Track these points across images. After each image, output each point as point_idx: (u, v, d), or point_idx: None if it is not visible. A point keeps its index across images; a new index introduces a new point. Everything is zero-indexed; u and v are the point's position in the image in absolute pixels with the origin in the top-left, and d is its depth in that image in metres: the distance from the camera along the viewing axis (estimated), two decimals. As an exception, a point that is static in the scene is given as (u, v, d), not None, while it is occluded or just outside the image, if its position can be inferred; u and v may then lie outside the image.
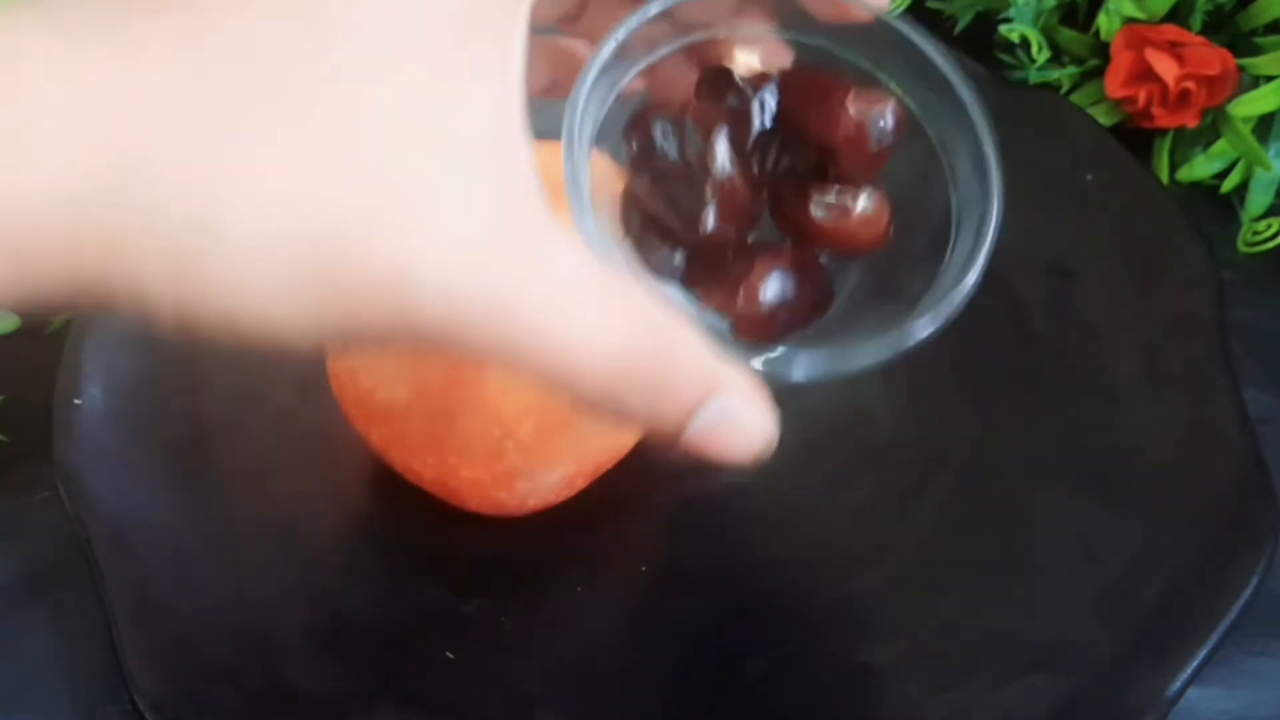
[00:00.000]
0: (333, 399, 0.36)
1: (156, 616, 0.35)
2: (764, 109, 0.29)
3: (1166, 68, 0.44)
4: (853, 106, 0.28)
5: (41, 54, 0.21)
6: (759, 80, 0.29)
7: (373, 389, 0.33)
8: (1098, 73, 0.46)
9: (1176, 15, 0.45)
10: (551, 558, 0.37)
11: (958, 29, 0.49)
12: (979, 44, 0.48)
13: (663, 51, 0.29)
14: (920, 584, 0.37)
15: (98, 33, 0.21)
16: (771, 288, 0.28)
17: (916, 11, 0.49)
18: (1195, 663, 0.33)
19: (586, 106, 0.27)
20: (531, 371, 0.23)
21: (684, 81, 0.29)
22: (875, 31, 0.29)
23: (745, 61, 0.29)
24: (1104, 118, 0.46)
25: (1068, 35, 0.47)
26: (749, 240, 0.29)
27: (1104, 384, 0.40)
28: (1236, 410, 0.38)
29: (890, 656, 0.35)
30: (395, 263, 0.22)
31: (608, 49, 0.27)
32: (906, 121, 0.29)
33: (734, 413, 0.26)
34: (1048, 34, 0.47)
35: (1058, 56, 0.47)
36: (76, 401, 0.38)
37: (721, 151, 0.28)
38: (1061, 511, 0.38)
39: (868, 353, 0.28)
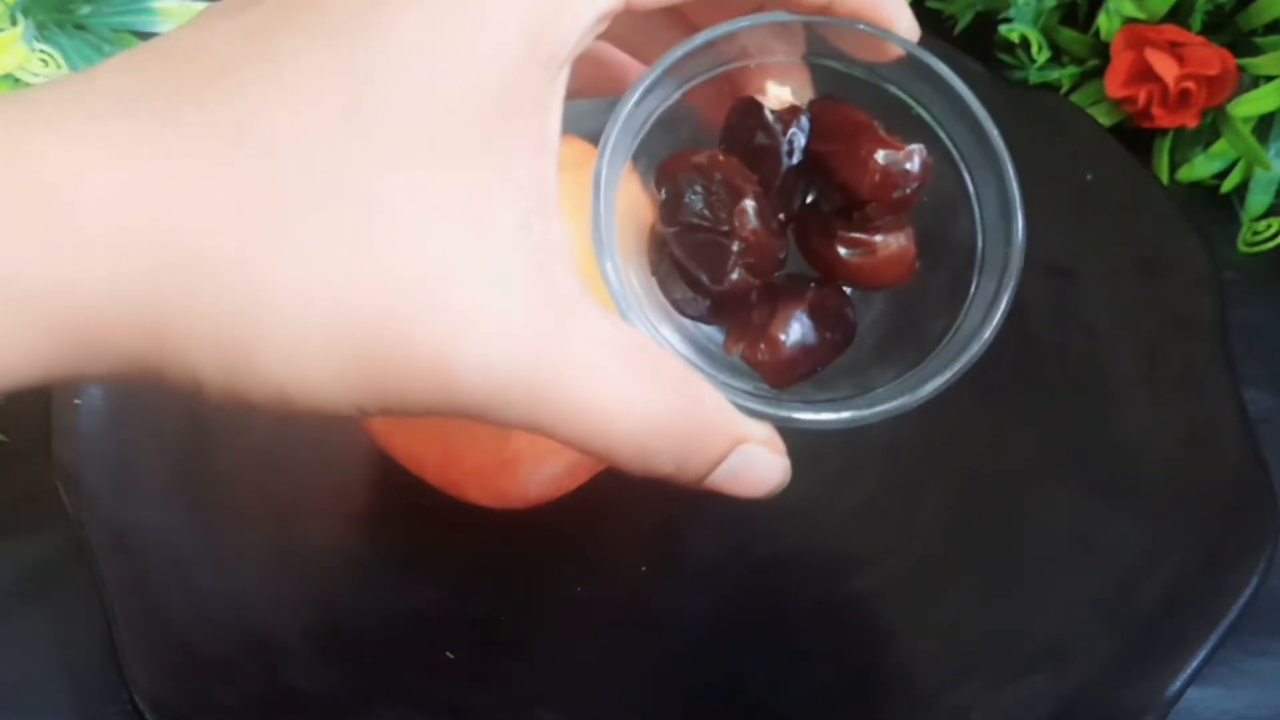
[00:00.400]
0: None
1: (156, 617, 0.35)
2: (793, 147, 0.29)
3: (1166, 68, 0.44)
4: (881, 155, 0.29)
5: (93, 161, 0.22)
6: (789, 114, 0.30)
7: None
8: (1098, 73, 0.46)
9: (1176, 15, 0.45)
10: (551, 557, 0.37)
11: (958, 29, 0.49)
12: (979, 44, 0.48)
13: (698, 79, 0.30)
14: (921, 584, 0.37)
15: (148, 135, 0.22)
16: (794, 333, 0.29)
17: (916, 11, 0.49)
18: (1195, 663, 0.33)
19: (619, 140, 0.28)
20: (567, 440, 0.25)
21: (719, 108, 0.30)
22: (908, 65, 0.30)
23: (776, 94, 0.30)
24: (1104, 118, 0.46)
25: (1068, 35, 0.47)
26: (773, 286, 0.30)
27: (1104, 384, 0.40)
28: (1237, 410, 0.38)
29: (891, 656, 0.35)
30: (437, 347, 0.23)
31: (646, 81, 0.28)
32: (936, 155, 0.30)
33: (754, 459, 0.28)
34: (1048, 34, 0.47)
35: (1058, 56, 0.47)
36: (76, 401, 0.38)
37: (749, 210, 0.29)
38: (1061, 511, 0.38)
39: (887, 408, 0.29)
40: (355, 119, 0.23)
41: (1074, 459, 0.39)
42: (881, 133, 0.29)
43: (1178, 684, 0.33)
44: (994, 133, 0.30)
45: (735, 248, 0.29)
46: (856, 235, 0.30)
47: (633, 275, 0.29)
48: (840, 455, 0.39)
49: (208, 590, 0.36)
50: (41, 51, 0.45)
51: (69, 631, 0.36)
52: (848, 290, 0.31)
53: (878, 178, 0.29)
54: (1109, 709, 0.33)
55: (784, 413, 0.29)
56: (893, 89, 0.31)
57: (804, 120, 0.30)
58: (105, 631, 0.34)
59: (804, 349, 0.29)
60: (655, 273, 0.30)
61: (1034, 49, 0.46)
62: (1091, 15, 0.46)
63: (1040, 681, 0.34)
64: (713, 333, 0.30)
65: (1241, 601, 0.34)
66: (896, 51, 0.30)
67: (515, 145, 0.24)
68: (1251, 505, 0.36)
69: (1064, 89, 0.47)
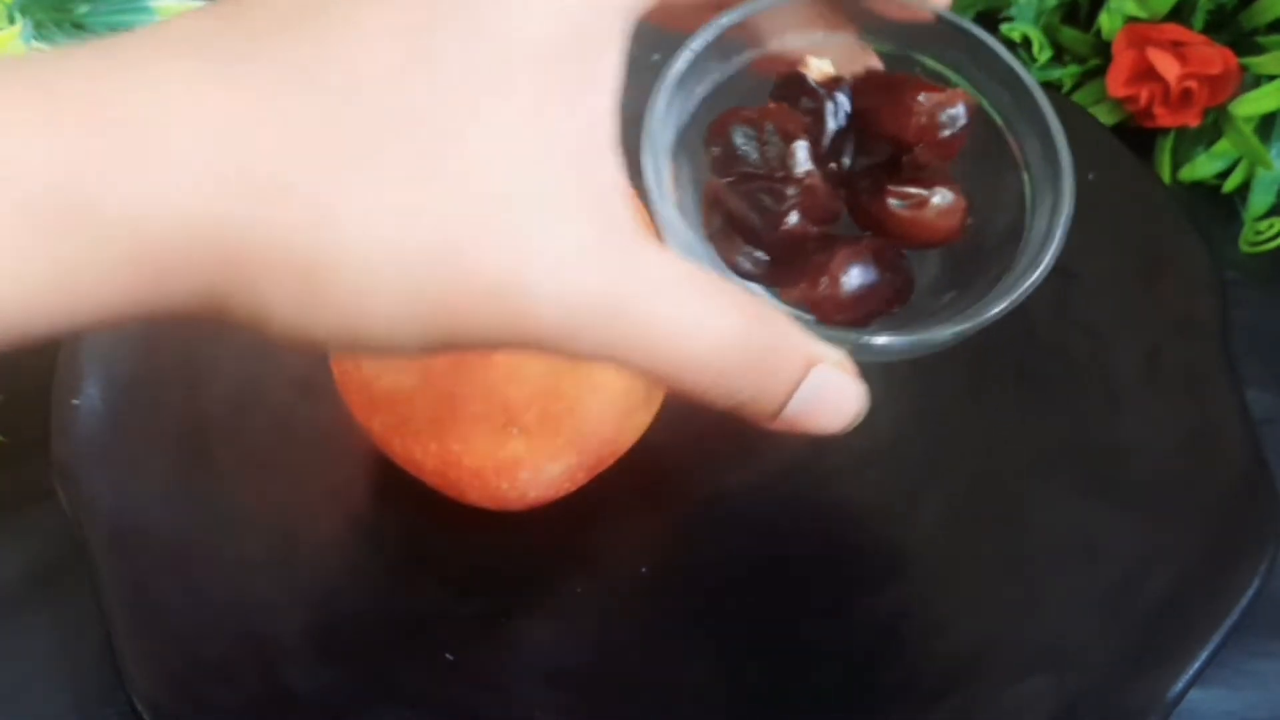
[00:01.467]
0: (333, 398, 0.36)
1: (155, 617, 0.35)
2: (838, 109, 0.30)
3: (1168, 67, 0.44)
4: (923, 97, 0.30)
5: (174, 94, 0.22)
6: (832, 84, 0.30)
7: (377, 375, 0.33)
8: (1099, 72, 0.46)
9: (1178, 14, 0.45)
10: (551, 558, 0.37)
11: (959, 28, 0.49)
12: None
13: (737, 61, 0.31)
14: (922, 584, 0.37)
15: (226, 72, 0.23)
16: (854, 274, 0.29)
17: (917, 10, 0.49)
18: (1197, 664, 0.33)
19: (667, 111, 0.29)
20: (643, 368, 0.25)
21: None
22: (939, 31, 0.31)
23: (819, 66, 0.31)
24: (1106, 117, 0.46)
25: (1069, 34, 0.47)
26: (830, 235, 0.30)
27: (1105, 384, 0.40)
28: (1238, 411, 0.38)
29: (891, 657, 0.35)
30: (510, 274, 0.23)
31: (684, 59, 0.29)
32: (978, 115, 0.30)
33: (830, 384, 0.27)
34: (1049, 33, 0.47)
35: (1059, 55, 0.47)
36: (75, 401, 0.38)
37: (801, 152, 0.29)
38: (1063, 512, 0.38)
39: (948, 330, 0.29)
40: (428, 60, 0.24)
41: (1075, 459, 0.38)
42: (923, 81, 0.30)
43: (1180, 685, 0.33)
44: (1029, 80, 0.31)
45: (790, 191, 0.29)
46: (907, 190, 0.30)
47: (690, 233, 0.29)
48: (841, 455, 0.39)
49: (207, 590, 0.36)
50: (39, 50, 0.45)
51: (67, 632, 0.36)
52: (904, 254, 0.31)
53: (924, 119, 0.29)
54: (1111, 710, 0.33)
55: (854, 336, 0.29)
56: (929, 61, 0.32)
57: (846, 87, 0.30)
58: (104, 632, 0.34)
59: (864, 290, 0.30)
60: (710, 234, 0.30)
61: (1035, 48, 0.46)
62: (1093, 14, 0.46)
63: (1042, 682, 0.34)
64: (769, 297, 0.30)
65: (1243, 602, 0.34)
66: (925, 14, 0.31)
67: (578, 87, 0.25)
68: (1253, 506, 0.36)
69: (1065, 88, 0.47)
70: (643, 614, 0.37)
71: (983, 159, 0.31)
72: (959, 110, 0.30)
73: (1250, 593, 0.34)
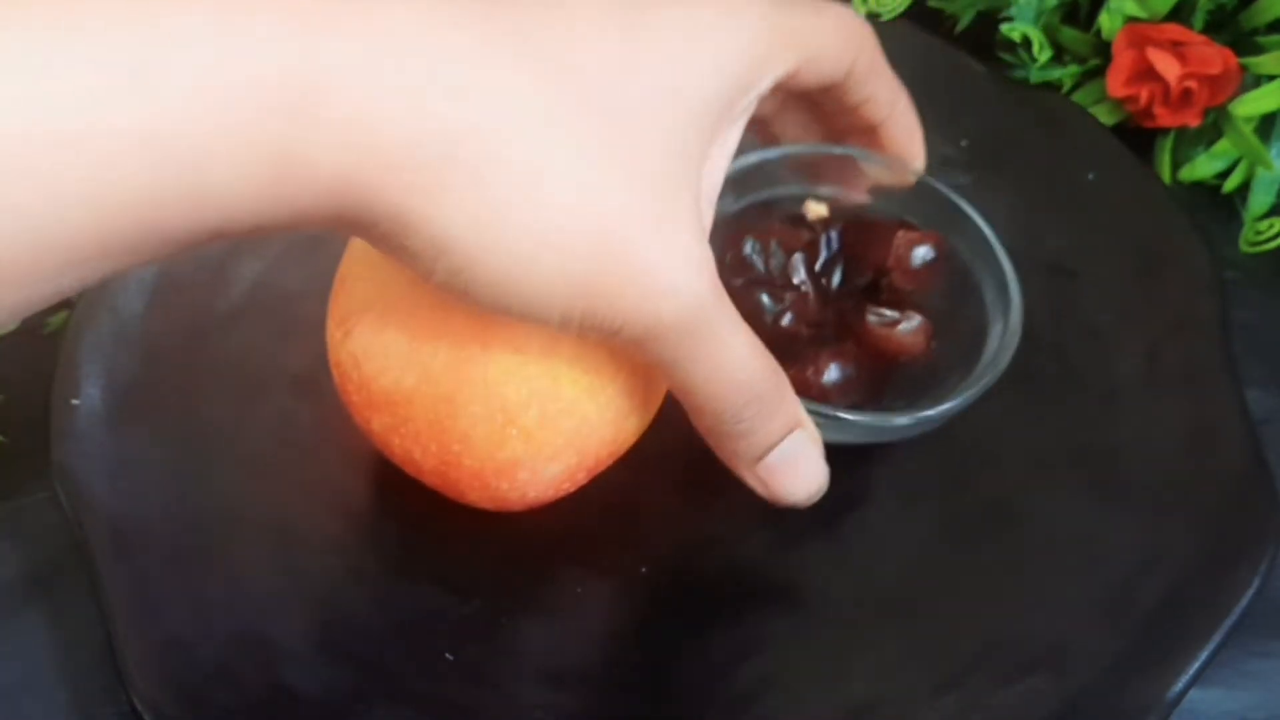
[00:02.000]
0: (333, 399, 0.36)
1: (154, 617, 0.35)
2: (830, 241, 0.38)
3: (1168, 67, 0.44)
4: (901, 234, 0.37)
5: (415, 27, 0.24)
6: (826, 223, 0.38)
7: (376, 375, 0.33)
8: (1099, 72, 0.46)
9: (1178, 14, 0.45)
10: (551, 558, 0.37)
11: (959, 28, 0.49)
12: (980, 43, 0.48)
13: (749, 196, 0.39)
14: (921, 584, 0.37)
15: (459, 16, 0.25)
16: (834, 369, 0.36)
17: (918, 11, 0.49)
18: (1197, 664, 0.33)
19: None
20: (691, 383, 0.29)
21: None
22: (909, 190, 0.39)
23: (815, 209, 0.39)
24: (1105, 117, 0.46)
25: (1069, 34, 0.47)
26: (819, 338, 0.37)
27: (1105, 384, 0.40)
28: (1238, 411, 0.38)
29: (890, 657, 0.35)
30: (655, 267, 0.27)
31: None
32: (946, 254, 0.38)
33: (804, 450, 0.33)
34: (1049, 33, 0.47)
35: (1059, 55, 0.47)
36: (74, 402, 0.38)
37: (799, 264, 0.37)
38: (1062, 512, 0.38)
39: (908, 416, 0.36)
40: (625, 69, 0.26)
41: (1075, 459, 0.38)
42: (903, 223, 0.38)
43: (1179, 685, 0.33)
44: (985, 226, 0.38)
45: (788, 296, 0.37)
46: (883, 310, 0.37)
47: None
48: (840, 455, 0.39)
49: (206, 591, 0.36)
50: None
51: (67, 632, 0.36)
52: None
53: (900, 251, 0.37)
54: (1110, 710, 0.33)
55: (828, 409, 0.35)
56: (900, 214, 0.39)
57: (838, 225, 0.38)
58: (104, 632, 0.34)
59: (842, 383, 0.36)
60: None
61: (1035, 48, 0.46)
62: (1093, 14, 0.46)
63: (1041, 682, 0.34)
64: None
65: (1243, 602, 0.34)
66: (909, 180, 0.38)
67: (719, 142, 0.30)
68: (1253, 506, 0.36)
69: (1065, 88, 0.47)
70: (642, 614, 0.37)
71: (949, 291, 0.38)
72: (927, 248, 0.37)
73: (1250, 592, 0.34)
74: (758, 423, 0.31)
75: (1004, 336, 0.37)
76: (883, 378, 0.37)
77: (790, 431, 0.32)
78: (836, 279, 0.38)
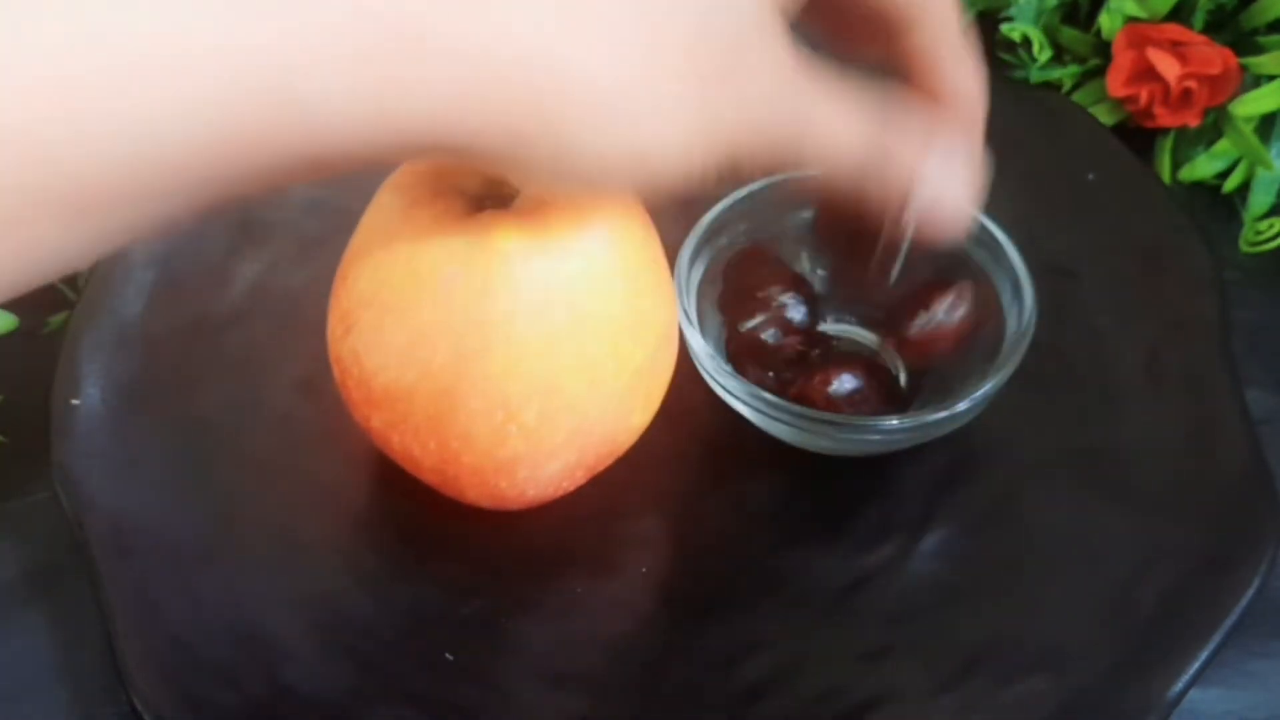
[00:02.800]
0: (333, 399, 0.36)
1: (154, 617, 0.35)
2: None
3: (1168, 67, 0.44)
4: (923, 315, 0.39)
5: None
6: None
7: (376, 371, 0.33)
8: (1099, 72, 0.46)
9: (1178, 14, 0.45)
10: (551, 558, 0.37)
11: (959, 28, 0.49)
12: (980, 42, 0.48)
13: (750, 225, 0.41)
14: (920, 584, 0.37)
15: None
16: (845, 380, 0.37)
17: (917, 10, 0.49)
18: (1197, 664, 0.33)
19: (695, 255, 0.40)
20: (818, 149, 0.29)
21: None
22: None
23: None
24: (1105, 117, 0.46)
25: (1069, 34, 0.47)
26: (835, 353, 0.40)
27: (1105, 384, 0.40)
28: (1238, 411, 0.38)
29: (890, 657, 0.35)
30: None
31: (711, 215, 0.40)
32: (969, 267, 0.40)
33: (948, 158, 0.32)
34: (1049, 33, 0.47)
35: (1059, 55, 0.47)
36: (75, 402, 0.38)
37: (793, 296, 0.40)
38: (1062, 512, 0.38)
39: (930, 419, 0.37)
40: None
41: (1075, 459, 0.38)
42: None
43: (1179, 685, 0.33)
44: (1006, 240, 0.39)
45: (789, 338, 0.39)
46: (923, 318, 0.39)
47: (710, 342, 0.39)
48: (840, 455, 0.39)
49: (206, 591, 0.36)
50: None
51: (67, 632, 0.36)
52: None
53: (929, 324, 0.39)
54: (1110, 710, 0.33)
55: (839, 419, 0.37)
56: None
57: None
58: (103, 632, 0.34)
59: (853, 394, 0.37)
60: (731, 355, 0.39)
61: (1035, 48, 0.46)
62: (1093, 14, 0.46)
63: (1041, 683, 0.34)
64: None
65: (1243, 603, 0.34)
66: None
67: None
68: (1253, 506, 0.36)
69: (1065, 88, 0.47)
70: (642, 614, 0.37)
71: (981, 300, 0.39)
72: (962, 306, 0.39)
73: (1250, 592, 0.34)
74: (884, 170, 0.30)
75: (1014, 340, 0.37)
76: (900, 389, 0.39)
77: (925, 152, 0.31)
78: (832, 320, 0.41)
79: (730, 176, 0.28)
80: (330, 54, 0.22)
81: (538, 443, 0.33)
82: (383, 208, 0.33)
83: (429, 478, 0.35)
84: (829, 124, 0.29)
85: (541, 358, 0.32)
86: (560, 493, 0.36)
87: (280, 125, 0.22)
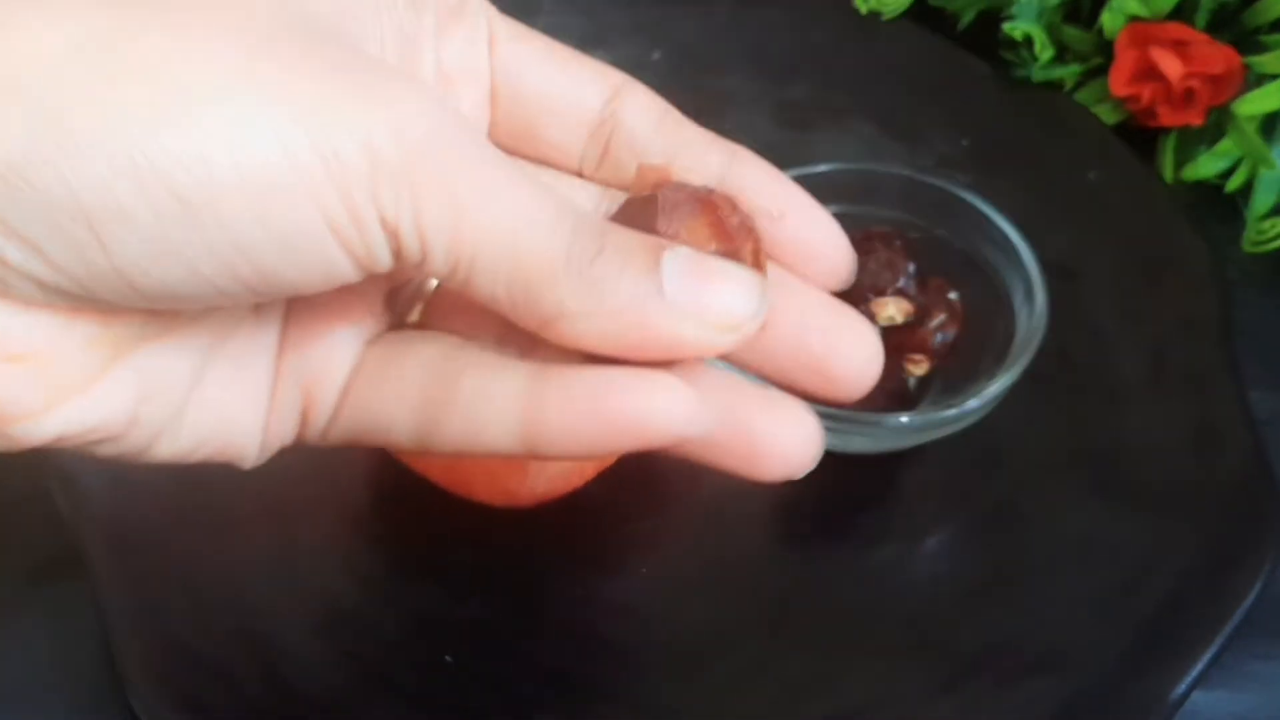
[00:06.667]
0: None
1: (153, 617, 0.35)
2: None
3: (1171, 66, 0.43)
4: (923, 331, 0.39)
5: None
6: None
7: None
8: (1101, 71, 0.46)
9: (1181, 13, 0.45)
10: (551, 559, 0.37)
11: (960, 27, 0.49)
12: (982, 42, 0.48)
13: None
14: (922, 584, 0.37)
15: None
16: None
17: (919, 10, 0.49)
18: (1200, 665, 0.33)
19: None
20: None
21: None
22: (948, 205, 0.40)
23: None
24: (1108, 116, 0.46)
25: (1071, 33, 0.47)
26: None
27: (1108, 385, 0.40)
28: (1241, 411, 0.38)
29: (890, 657, 0.35)
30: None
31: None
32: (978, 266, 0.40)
33: (702, 267, 0.23)
34: (1051, 32, 0.47)
35: (1061, 54, 0.47)
36: (74, 401, 0.38)
37: None
38: (1065, 512, 0.37)
39: (938, 415, 0.36)
40: None
41: (1078, 460, 0.38)
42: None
43: (1182, 686, 0.33)
44: (1017, 238, 0.39)
45: None
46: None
47: None
48: (840, 456, 0.39)
49: (207, 590, 0.36)
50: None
51: (66, 633, 0.36)
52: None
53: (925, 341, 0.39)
54: (1113, 712, 0.33)
55: (852, 415, 0.36)
56: (935, 229, 0.41)
57: None
58: (102, 633, 0.34)
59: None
60: None
61: (1037, 47, 0.46)
62: (1095, 13, 0.46)
63: (1043, 684, 0.34)
64: None
65: (1246, 604, 0.34)
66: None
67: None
68: (1256, 507, 0.36)
69: (1067, 87, 0.47)
70: (643, 614, 0.37)
71: (981, 300, 0.39)
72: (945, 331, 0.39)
73: (1253, 594, 0.34)
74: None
75: (1024, 340, 0.38)
76: (909, 386, 0.39)
77: (656, 264, 0.23)
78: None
79: None
80: None
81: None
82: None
83: (437, 475, 0.35)
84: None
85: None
86: (568, 489, 0.36)
87: None
